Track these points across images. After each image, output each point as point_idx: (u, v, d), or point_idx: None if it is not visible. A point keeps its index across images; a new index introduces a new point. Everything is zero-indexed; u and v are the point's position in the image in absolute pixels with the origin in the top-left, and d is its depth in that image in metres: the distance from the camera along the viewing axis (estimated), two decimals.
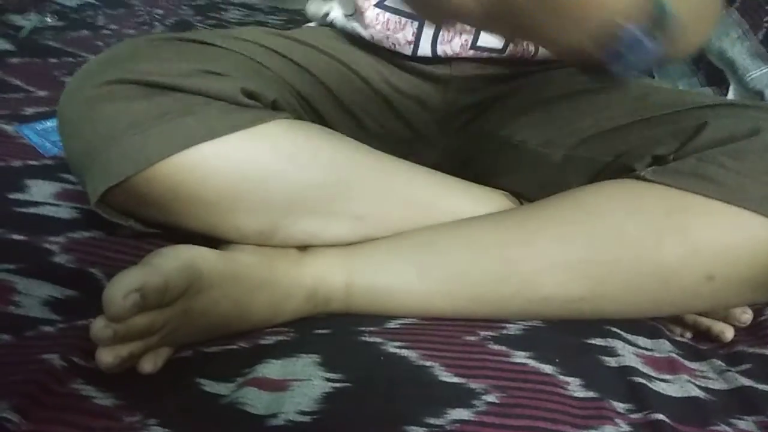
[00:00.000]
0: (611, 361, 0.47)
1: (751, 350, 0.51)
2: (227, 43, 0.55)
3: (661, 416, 0.41)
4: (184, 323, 0.42)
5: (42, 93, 0.86)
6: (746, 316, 0.52)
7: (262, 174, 0.48)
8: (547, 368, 0.45)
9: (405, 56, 0.63)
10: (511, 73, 0.64)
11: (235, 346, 0.46)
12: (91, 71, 0.49)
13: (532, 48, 0.63)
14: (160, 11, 1.42)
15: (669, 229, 0.45)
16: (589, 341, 0.48)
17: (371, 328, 0.48)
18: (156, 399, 0.40)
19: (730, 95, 0.92)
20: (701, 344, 0.53)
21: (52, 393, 0.39)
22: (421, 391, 0.42)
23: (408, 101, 0.64)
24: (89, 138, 0.47)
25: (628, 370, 0.46)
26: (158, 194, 0.47)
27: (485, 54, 0.62)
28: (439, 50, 0.62)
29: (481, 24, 0.34)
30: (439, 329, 0.49)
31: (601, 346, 0.48)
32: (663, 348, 0.50)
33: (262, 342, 0.46)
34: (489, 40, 0.61)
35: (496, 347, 0.47)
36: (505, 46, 0.62)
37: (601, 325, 0.50)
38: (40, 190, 0.61)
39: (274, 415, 0.39)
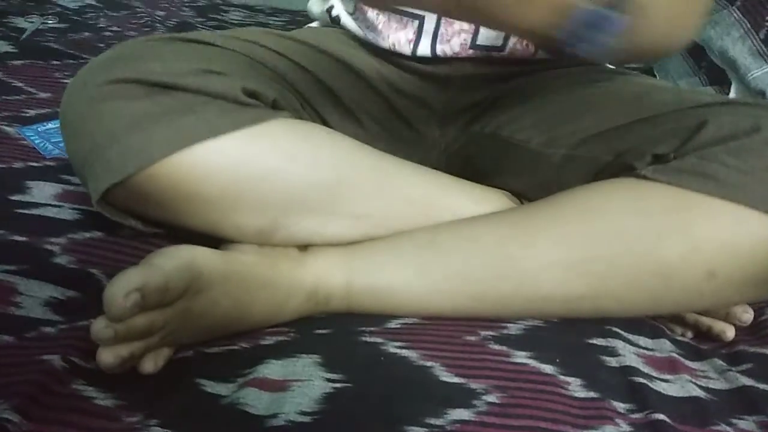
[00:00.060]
0: (612, 361, 0.47)
1: (752, 350, 0.51)
2: (228, 43, 0.55)
3: (661, 416, 0.41)
4: (185, 323, 0.42)
5: (43, 95, 0.86)
6: (747, 315, 0.52)
7: (263, 172, 0.48)
8: (548, 368, 0.45)
9: (405, 56, 0.63)
10: (511, 73, 0.64)
11: (235, 347, 0.46)
12: (92, 71, 0.50)
13: (531, 47, 0.63)
14: (162, 13, 1.42)
15: (670, 226, 0.45)
16: (590, 341, 0.48)
17: (371, 328, 0.48)
18: (156, 399, 0.40)
19: (732, 94, 0.91)
20: (702, 344, 0.53)
21: (52, 393, 0.39)
22: (422, 391, 0.42)
23: (408, 101, 0.64)
24: (91, 137, 0.47)
25: (628, 370, 0.45)
26: (159, 192, 0.47)
27: (485, 53, 0.62)
28: (439, 50, 0.62)
29: (439, 8, 0.34)
30: (440, 329, 0.49)
31: (601, 346, 0.48)
32: (664, 348, 0.50)
33: (263, 342, 0.46)
34: (488, 38, 0.61)
35: (497, 347, 0.47)
36: (505, 43, 0.62)
37: (601, 325, 0.50)
38: (41, 191, 0.61)
39: (274, 416, 0.39)
